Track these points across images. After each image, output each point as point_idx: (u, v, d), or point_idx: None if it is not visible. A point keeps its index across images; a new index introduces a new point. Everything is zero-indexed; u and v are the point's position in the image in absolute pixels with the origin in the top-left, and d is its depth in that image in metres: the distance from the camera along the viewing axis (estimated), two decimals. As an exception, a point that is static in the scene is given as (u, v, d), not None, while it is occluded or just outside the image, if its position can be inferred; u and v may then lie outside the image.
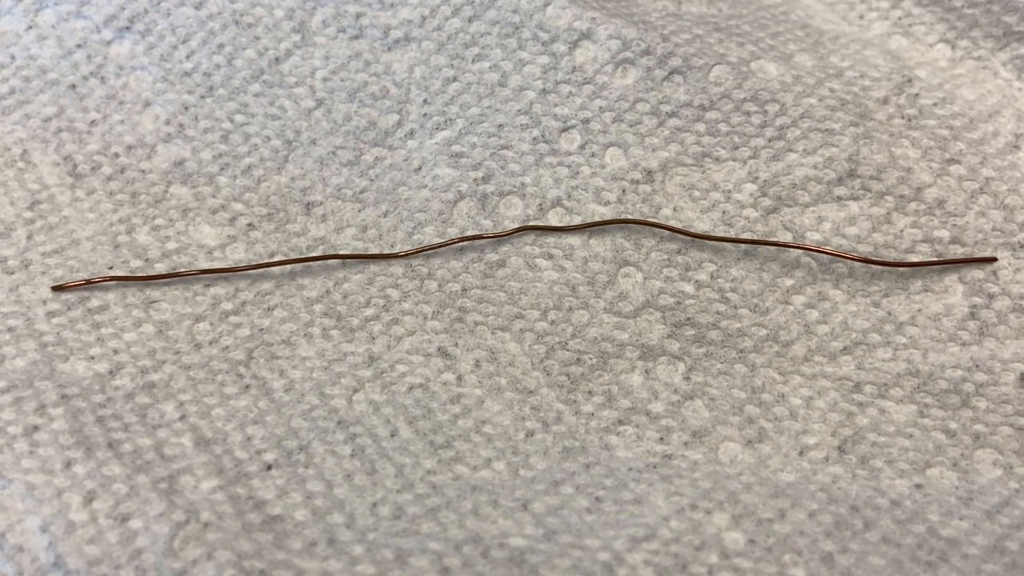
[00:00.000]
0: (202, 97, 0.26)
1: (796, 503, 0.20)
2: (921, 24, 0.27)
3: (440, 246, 0.24)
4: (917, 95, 0.25)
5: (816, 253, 0.23)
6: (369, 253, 0.24)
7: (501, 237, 0.24)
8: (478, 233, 0.24)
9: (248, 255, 0.24)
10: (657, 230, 0.24)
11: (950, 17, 0.27)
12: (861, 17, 0.28)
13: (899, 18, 0.27)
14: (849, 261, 0.23)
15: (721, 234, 0.24)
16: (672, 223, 0.24)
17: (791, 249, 0.23)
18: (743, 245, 0.23)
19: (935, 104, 0.25)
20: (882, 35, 0.27)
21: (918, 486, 0.21)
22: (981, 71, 0.26)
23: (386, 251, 0.24)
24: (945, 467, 0.21)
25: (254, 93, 0.26)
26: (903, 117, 0.25)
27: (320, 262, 0.24)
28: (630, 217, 0.24)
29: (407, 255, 0.24)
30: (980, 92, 0.25)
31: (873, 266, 0.23)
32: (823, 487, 0.21)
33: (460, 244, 0.24)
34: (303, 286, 0.24)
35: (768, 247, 0.23)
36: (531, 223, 0.24)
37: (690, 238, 0.24)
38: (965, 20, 0.27)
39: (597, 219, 0.24)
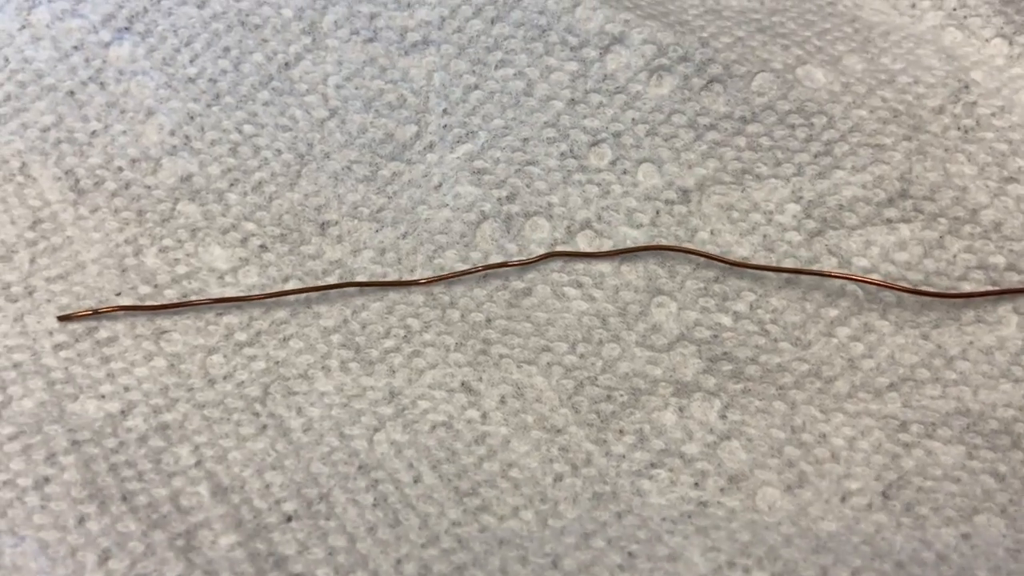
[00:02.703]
0: (208, 105, 0.24)
1: (839, 559, 0.19)
2: (977, 16, 0.25)
3: (462, 274, 0.22)
4: (975, 103, 0.23)
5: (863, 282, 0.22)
6: (388, 280, 0.22)
7: (527, 264, 0.22)
8: (503, 260, 0.22)
9: (261, 279, 0.23)
10: (693, 256, 0.22)
11: (1007, 10, 0.25)
12: (913, 6, 0.25)
13: (953, 9, 0.25)
14: (898, 291, 0.22)
15: (762, 260, 0.22)
16: (709, 248, 0.22)
17: (837, 266, 0.22)
18: (784, 273, 0.22)
19: (993, 114, 0.23)
20: (935, 27, 0.25)
21: (965, 536, 0.20)
22: (1045, 70, 0.24)
23: (405, 277, 0.23)
24: (993, 513, 0.20)
25: (263, 101, 0.24)
26: (959, 128, 0.23)
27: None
28: (664, 243, 0.22)
29: (428, 283, 0.22)
30: (1044, 96, 0.23)
31: (923, 297, 0.22)
32: (866, 539, 0.19)
33: (484, 271, 0.22)
34: (319, 314, 0.22)
35: (811, 276, 0.22)
36: (558, 248, 0.22)
37: (728, 265, 0.22)
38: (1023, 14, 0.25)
39: (629, 243, 0.22)
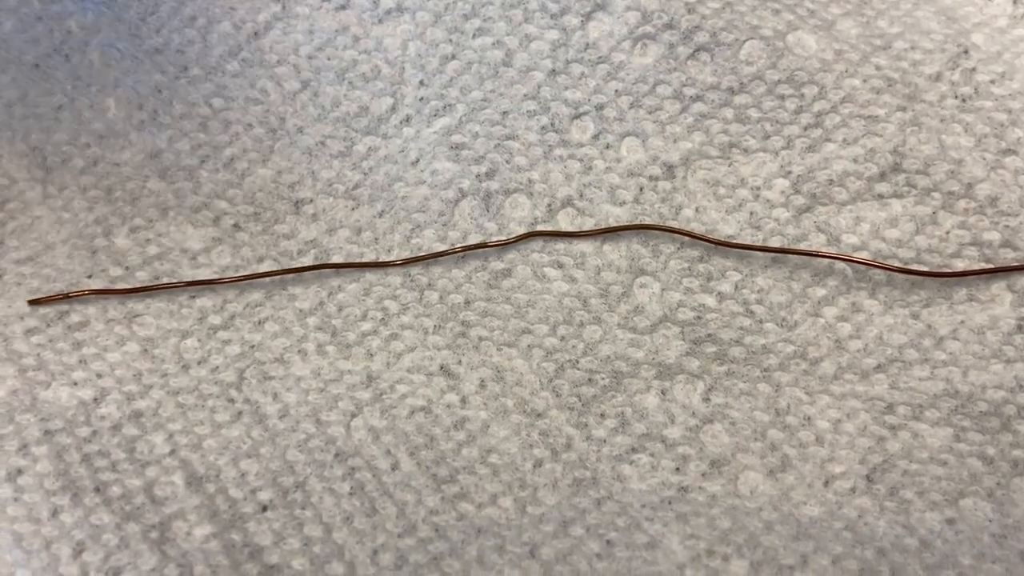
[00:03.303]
0: (175, 78, 0.23)
1: (820, 546, 0.19)
2: (983, -25, 0.23)
3: (441, 255, 0.22)
4: (973, 70, 0.22)
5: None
6: (364, 261, 0.22)
7: (506, 244, 0.21)
8: (482, 239, 0.22)
9: (235, 260, 0.22)
10: (677, 236, 0.21)
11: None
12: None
13: (958, -34, 0.24)
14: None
15: (748, 238, 0.21)
16: (694, 227, 0.22)
17: (825, 243, 0.21)
18: (774, 240, 0.21)
19: (993, 81, 0.22)
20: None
21: (949, 521, 0.19)
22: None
23: (383, 257, 0.22)
24: (980, 497, 0.20)
25: (232, 73, 0.23)
26: (956, 97, 0.22)
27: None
28: (647, 222, 0.22)
29: (405, 263, 0.22)
30: (1046, 62, 0.22)
31: (914, 276, 0.21)
32: (849, 524, 0.19)
33: (463, 251, 0.22)
34: (295, 296, 0.22)
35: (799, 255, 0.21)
36: (539, 227, 0.22)
37: (712, 245, 0.21)
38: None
39: (612, 222, 0.22)
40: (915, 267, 0.21)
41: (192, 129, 0.23)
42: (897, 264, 0.21)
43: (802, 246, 0.21)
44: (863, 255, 0.21)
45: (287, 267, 0.22)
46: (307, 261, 0.22)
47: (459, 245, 0.22)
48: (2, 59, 0.23)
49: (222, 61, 0.23)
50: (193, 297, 0.22)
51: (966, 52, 0.22)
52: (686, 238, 0.21)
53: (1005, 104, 0.22)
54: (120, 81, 0.23)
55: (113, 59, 0.23)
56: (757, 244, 0.21)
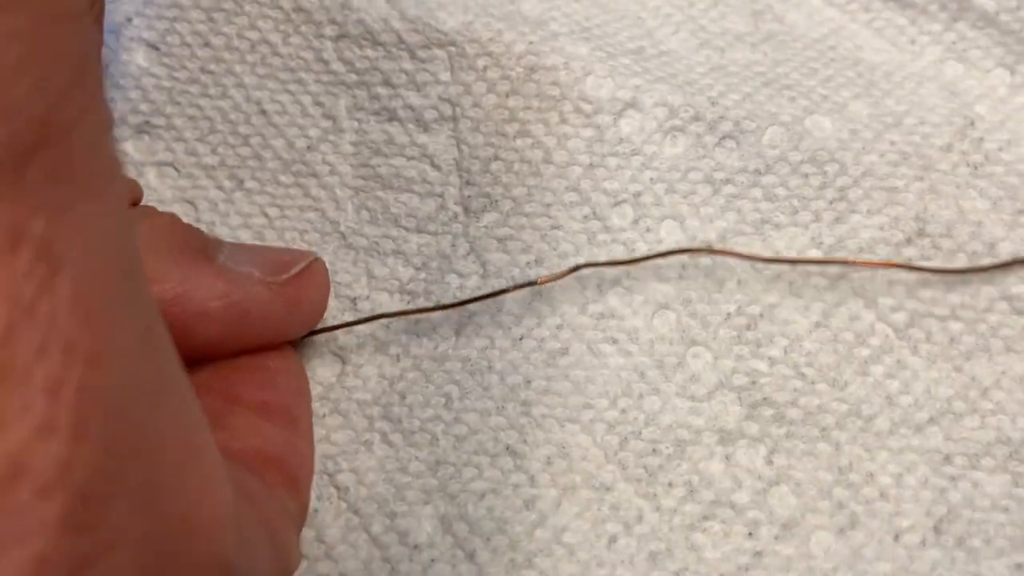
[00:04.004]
0: (231, 192, 0.24)
1: (901, 600, 0.19)
2: (977, 48, 0.26)
3: (490, 296, 0.22)
4: (981, 139, 0.24)
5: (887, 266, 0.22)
6: (416, 308, 0.23)
7: (557, 279, 0.22)
8: (536, 321, 0.23)
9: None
10: (722, 306, 0.22)
11: (1008, 40, 0.25)
12: (912, 42, 0.26)
13: (953, 42, 0.26)
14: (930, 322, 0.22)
15: (790, 305, 0.22)
16: (738, 298, 0.23)
17: (864, 307, 0.22)
18: (816, 306, 0.22)
19: (1000, 148, 0.23)
20: (936, 62, 0.26)
21: (1018, 566, 0.20)
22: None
23: (440, 347, 0.23)
24: (1046, 541, 0.20)
25: (286, 184, 0.24)
26: (968, 165, 0.23)
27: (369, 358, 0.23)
28: (693, 292, 0.23)
29: (457, 305, 0.22)
30: (1043, 130, 0.24)
31: (949, 279, 0.22)
32: (924, 576, 0.19)
33: (518, 334, 0.23)
34: (354, 388, 0.22)
35: (849, 266, 0.22)
36: (584, 263, 0.22)
37: (762, 271, 0.22)
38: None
39: (659, 299, 0.23)
40: (948, 267, 0.22)
41: (248, 238, 0.24)
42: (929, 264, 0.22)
43: (840, 310, 0.22)
44: (900, 316, 0.22)
45: (346, 362, 0.23)
46: (366, 354, 0.23)
47: (509, 286, 0.22)
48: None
49: (276, 174, 0.25)
50: (258, 397, 0.22)
51: (972, 123, 0.24)
52: (731, 308, 0.22)
53: (1014, 168, 0.23)
54: (177, 197, 0.24)
55: (168, 179, 0.25)
56: (801, 258, 0.22)
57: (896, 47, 0.25)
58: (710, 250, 0.22)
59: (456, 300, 0.23)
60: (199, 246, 0.19)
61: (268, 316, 0.19)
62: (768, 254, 0.23)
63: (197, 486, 0.12)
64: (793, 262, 0.22)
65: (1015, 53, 0.25)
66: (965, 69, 0.25)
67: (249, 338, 0.20)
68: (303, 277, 0.20)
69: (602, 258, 0.23)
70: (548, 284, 0.22)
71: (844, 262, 0.22)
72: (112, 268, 0.11)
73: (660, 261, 0.23)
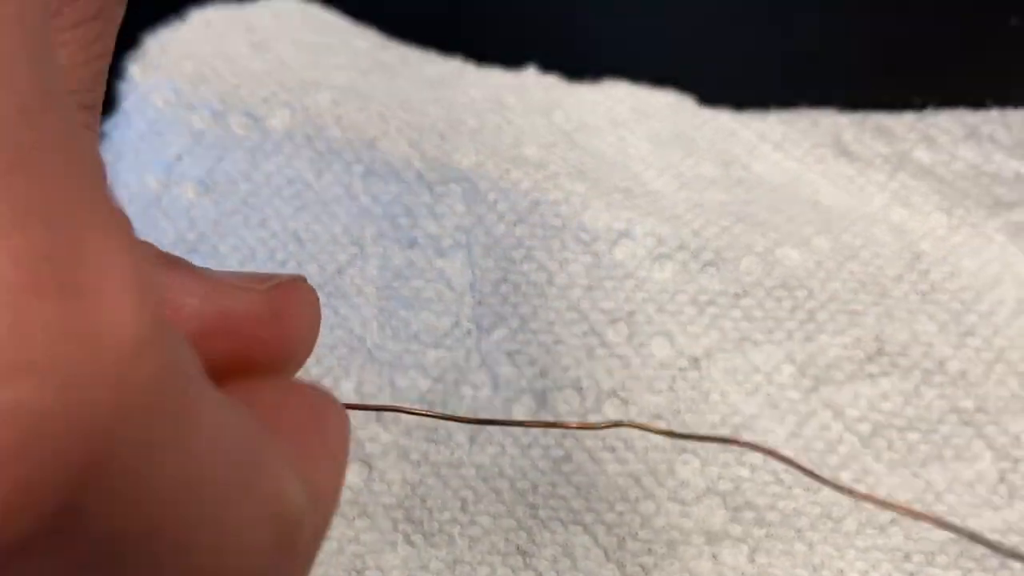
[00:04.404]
0: (267, 310, 0.27)
1: None
2: (917, 195, 0.29)
3: (517, 423, 0.25)
4: (927, 271, 0.27)
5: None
6: (435, 413, 0.25)
7: (599, 428, 0.24)
8: (542, 432, 0.25)
9: (324, 464, 0.25)
10: (707, 404, 0.25)
11: (943, 188, 0.29)
12: (862, 190, 0.30)
13: (896, 190, 0.29)
14: (890, 437, 0.25)
15: (767, 416, 0.25)
16: (720, 408, 0.25)
17: (832, 418, 0.25)
18: (790, 417, 0.25)
19: (944, 279, 0.27)
20: (883, 206, 0.29)
21: (976, 652, 0.22)
22: (977, 237, 0.28)
23: (456, 453, 0.25)
24: (998, 631, 0.22)
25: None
26: (917, 293, 0.27)
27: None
28: (686, 411, 0.25)
29: (478, 422, 0.25)
30: (981, 261, 0.27)
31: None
32: (893, 664, 0.22)
33: (526, 442, 0.25)
34: (380, 492, 0.25)
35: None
36: (625, 422, 0.24)
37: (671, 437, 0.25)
38: (957, 190, 0.29)
39: (652, 408, 0.25)
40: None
41: (281, 352, 0.27)
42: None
43: (812, 421, 0.25)
44: (864, 427, 0.25)
45: (373, 468, 0.25)
46: (391, 461, 0.25)
47: (551, 420, 0.25)
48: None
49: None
50: (289, 499, 0.24)
51: (918, 257, 0.27)
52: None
53: (957, 296, 0.27)
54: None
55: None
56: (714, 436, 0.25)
57: (848, 193, 0.29)
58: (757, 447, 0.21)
59: (468, 409, 0.25)
60: (176, 258, 0.17)
61: (252, 320, 0.17)
62: (748, 371, 0.26)
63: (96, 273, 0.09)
64: (687, 437, 0.23)
65: (950, 199, 0.28)
66: (909, 213, 0.28)
67: (235, 344, 0.17)
68: (287, 289, 0.18)
69: (600, 370, 0.26)
70: (581, 429, 0.25)
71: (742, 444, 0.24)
72: None
73: (651, 372, 0.26)
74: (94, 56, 0.16)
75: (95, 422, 0.08)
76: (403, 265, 0.27)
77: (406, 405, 0.25)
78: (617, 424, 0.22)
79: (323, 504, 0.14)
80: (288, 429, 0.14)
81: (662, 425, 0.25)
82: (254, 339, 0.16)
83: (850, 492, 0.19)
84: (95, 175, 0.10)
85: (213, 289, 0.16)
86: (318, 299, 0.18)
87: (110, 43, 0.17)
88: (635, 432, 0.25)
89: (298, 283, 0.18)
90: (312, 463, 0.14)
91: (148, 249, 0.17)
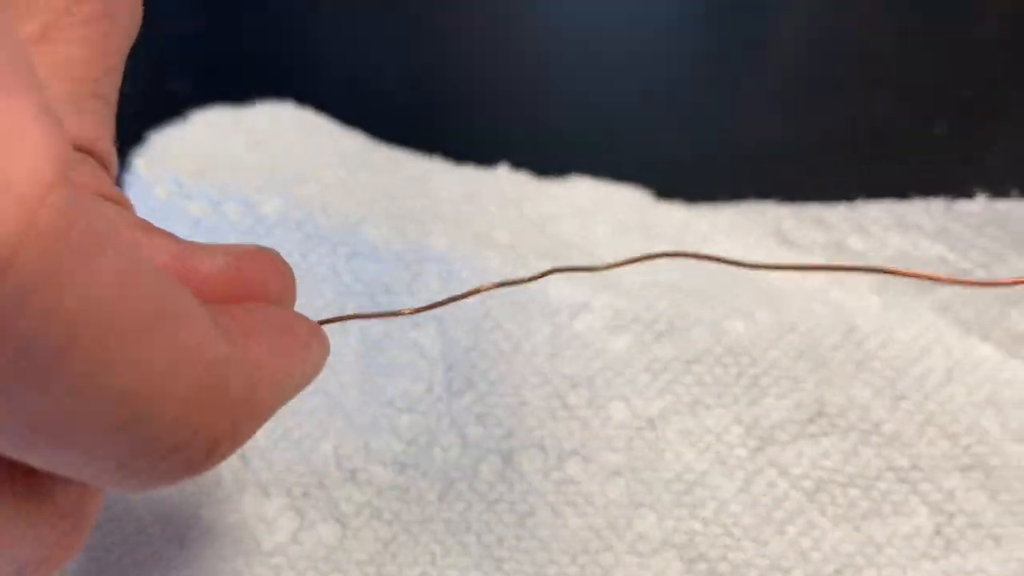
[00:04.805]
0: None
1: None
2: (853, 278, 0.32)
3: (460, 297, 0.24)
4: (861, 342, 0.29)
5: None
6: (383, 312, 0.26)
7: (530, 281, 0.23)
8: (504, 488, 0.27)
9: (303, 522, 0.26)
10: (663, 474, 0.27)
11: (872, 276, 0.32)
12: (802, 274, 0.33)
13: (834, 274, 0.32)
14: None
15: (717, 473, 0.27)
16: (675, 465, 0.27)
17: (778, 475, 0.27)
18: (739, 473, 0.27)
19: (877, 349, 0.29)
20: (822, 288, 0.32)
21: None
22: (909, 314, 0.31)
23: (426, 511, 0.27)
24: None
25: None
26: (853, 362, 0.29)
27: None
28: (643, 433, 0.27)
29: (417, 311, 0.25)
30: (912, 333, 0.30)
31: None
32: None
33: (493, 498, 0.27)
34: (353, 549, 0.26)
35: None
36: (557, 267, 0.23)
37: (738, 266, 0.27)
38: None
39: (610, 468, 0.27)
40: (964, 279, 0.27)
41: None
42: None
43: (759, 478, 0.27)
44: (808, 483, 0.27)
45: (347, 527, 0.26)
46: (363, 519, 0.27)
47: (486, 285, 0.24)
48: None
49: (290, 362, 0.29)
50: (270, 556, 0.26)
51: (853, 329, 0.30)
52: (672, 473, 0.27)
53: (890, 364, 0.29)
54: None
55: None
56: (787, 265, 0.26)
57: (790, 280, 0.32)
58: (684, 254, 0.23)
59: (438, 469, 0.27)
60: (152, 226, 0.18)
61: (217, 279, 0.18)
62: (700, 432, 0.28)
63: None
64: (761, 267, 0.22)
65: (880, 281, 0.31)
66: (845, 293, 0.31)
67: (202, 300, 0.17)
68: (255, 255, 0.18)
69: (562, 431, 0.28)
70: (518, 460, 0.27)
71: (827, 267, 0.24)
72: None
73: (610, 432, 0.28)
74: (104, 52, 0.18)
75: (5, 242, 0.10)
76: (381, 336, 0.29)
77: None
78: (545, 274, 0.22)
79: (267, 383, 0.15)
80: (240, 320, 0.16)
81: (619, 482, 0.27)
82: (220, 297, 0.17)
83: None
84: (13, 49, 0.11)
85: (183, 250, 0.17)
86: (289, 268, 0.19)
87: (120, 42, 0.19)
88: (595, 487, 0.27)
89: (267, 252, 0.19)
90: (257, 343, 0.16)
91: (129, 216, 0.18)
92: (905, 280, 0.32)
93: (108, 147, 0.19)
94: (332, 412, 0.28)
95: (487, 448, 0.27)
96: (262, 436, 0.28)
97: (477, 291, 0.23)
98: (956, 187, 0.33)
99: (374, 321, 0.30)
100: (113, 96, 0.19)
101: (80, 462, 0.13)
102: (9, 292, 0.10)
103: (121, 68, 0.19)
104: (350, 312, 0.30)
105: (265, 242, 0.31)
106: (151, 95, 0.36)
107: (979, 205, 0.32)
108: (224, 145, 0.34)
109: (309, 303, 0.30)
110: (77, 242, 0.11)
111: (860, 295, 0.32)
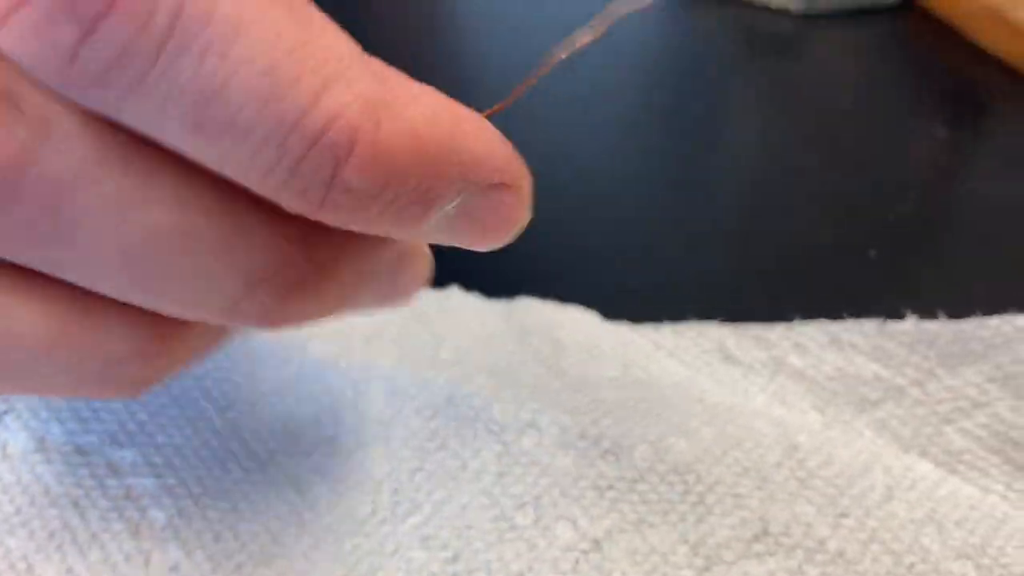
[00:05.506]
0: (195, 502, 0.28)
1: None
2: (794, 396, 0.33)
3: None
4: (804, 459, 0.30)
5: None
6: None
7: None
8: (452, 611, 0.26)
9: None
10: (609, 595, 0.27)
11: (815, 389, 0.33)
12: (745, 391, 0.33)
13: (775, 391, 0.33)
14: None
15: (664, 594, 0.27)
16: (621, 587, 0.27)
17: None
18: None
19: (819, 466, 0.30)
20: (765, 405, 0.33)
21: None
22: (849, 432, 0.32)
23: (368, 635, 0.26)
24: None
25: (243, 494, 0.29)
26: (796, 479, 0.29)
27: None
28: (585, 586, 0.27)
29: None
30: (852, 451, 0.31)
31: None
32: None
33: (436, 623, 0.26)
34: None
35: None
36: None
37: None
38: (827, 391, 0.33)
39: (556, 589, 0.27)
40: (796, 608, 0.27)
41: (207, 542, 0.28)
42: None
43: (708, 600, 0.27)
44: None
45: (282, 652, 0.25)
46: (301, 645, 0.26)
47: None
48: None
49: (239, 483, 0.29)
50: None
51: (795, 447, 0.30)
52: None
53: (832, 482, 0.30)
54: (149, 505, 0.28)
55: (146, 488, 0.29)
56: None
57: (733, 393, 0.32)
58: None
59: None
60: None
61: None
62: (646, 551, 0.28)
63: None
64: None
65: (822, 399, 0.32)
66: (787, 410, 0.32)
67: None
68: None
69: (508, 552, 0.28)
70: None
71: None
72: None
73: (557, 553, 0.28)
74: None
75: None
76: (324, 458, 0.29)
77: None
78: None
79: None
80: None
81: (566, 604, 0.27)
82: None
83: None
84: None
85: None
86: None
87: None
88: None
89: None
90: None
91: None
92: (844, 398, 0.33)
93: None
94: (275, 536, 0.28)
95: (431, 572, 0.27)
96: (203, 560, 0.27)
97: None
98: (888, 308, 0.35)
99: (320, 441, 0.30)
100: None
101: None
102: None
103: None
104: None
105: (210, 363, 0.31)
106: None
107: (910, 325, 0.34)
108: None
109: (259, 414, 0.30)
110: None
111: (802, 412, 0.32)
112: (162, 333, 0.17)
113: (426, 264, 0.22)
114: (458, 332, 0.34)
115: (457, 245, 0.18)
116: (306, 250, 0.16)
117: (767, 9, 0.56)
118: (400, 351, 0.32)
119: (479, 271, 0.38)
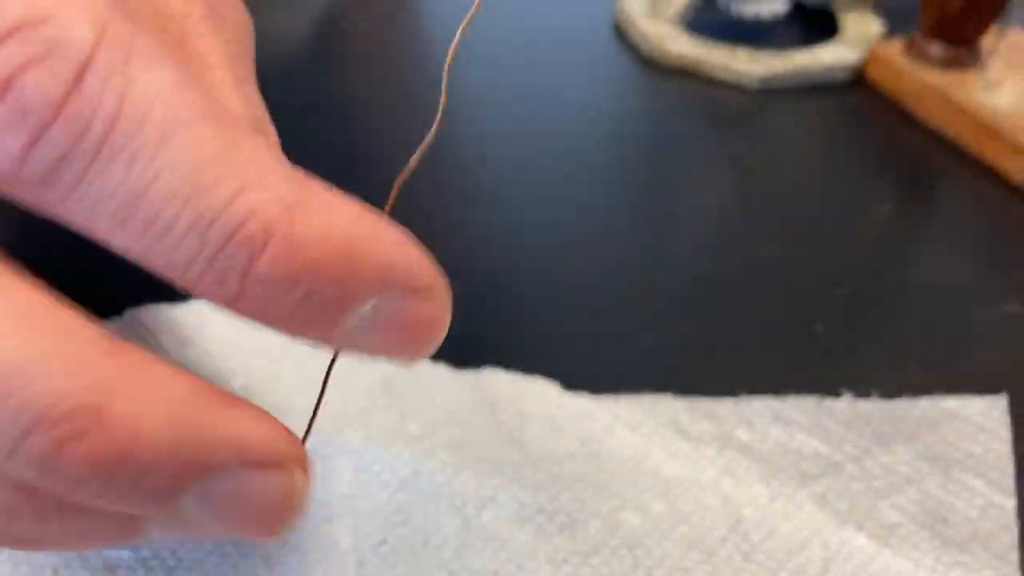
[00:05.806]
0: (169, 574, 0.30)
1: None
2: (741, 469, 0.35)
3: None
4: (747, 533, 0.32)
5: None
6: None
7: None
8: None
9: None
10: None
11: (761, 463, 0.35)
12: (696, 463, 0.35)
13: (724, 464, 0.35)
14: None
15: (614, 665, 0.28)
16: (573, 659, 0.29)
17: None
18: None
19: (762, 539, 0.32)
20: (714, 478, 0.35)
21: None
22: (790, 505, 0.34)
23: None
24: None
25: (215, 569, 0.30)
26: (740, 552, 0.31)
27: None
28: (539, 658, 0.28)
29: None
30: (793, 525, 0.33)
31: None
32: None
33: None
34: None
35: None
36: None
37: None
38: (771, 464, 0.35)
39: (511, 661, 0.28)
40: None
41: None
42: None
43: None
44: (700, 674, 0.29)
45: None
46: None
47: None
48: None
49: (207, 557, 0.30)
50: None
51: (740, 521, 0.32)
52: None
53: (773, 555, 0.32)
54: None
55: None
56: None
57: (685, 466, 0.34)
58: None
59: None
60: None
61: None
62: (597, 622, 0.29)
63: None
64: None
65: (767, 472, 0.34)
66: (735, 483, 0.34)
67: None
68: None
69: (467, 627, 0.29)
70: None
71: None
72: None
73: None
74: (225, 41, 0.23)
75: None
76: (292, 531, 0.31)
77: None
78: None
79: None
80: None
81: (520, 675, 0.28)
82: None
83: None
84: None
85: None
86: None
87: (237, 38, 0.24)
88: None
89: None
90: None
91: None
92: (787, 472, 0.35)
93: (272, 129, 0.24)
94: (244, 601, 0.29)
95: (393, 642, 0.29)
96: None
97: None
98: (831, 384, 0.37)
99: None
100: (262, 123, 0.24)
101: None
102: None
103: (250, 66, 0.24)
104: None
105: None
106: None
107: (845, 403, 0.36)
108: (157, 341, 0.36)
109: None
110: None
111: (748, 485, 0.34)
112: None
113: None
114: (426, 405, 0.35)
115: (380, 356, 0.19)
116: None
117: (725, 84, 0.59)
118: (368, 425, 0.33)
119: (446, 341, 0.40)
